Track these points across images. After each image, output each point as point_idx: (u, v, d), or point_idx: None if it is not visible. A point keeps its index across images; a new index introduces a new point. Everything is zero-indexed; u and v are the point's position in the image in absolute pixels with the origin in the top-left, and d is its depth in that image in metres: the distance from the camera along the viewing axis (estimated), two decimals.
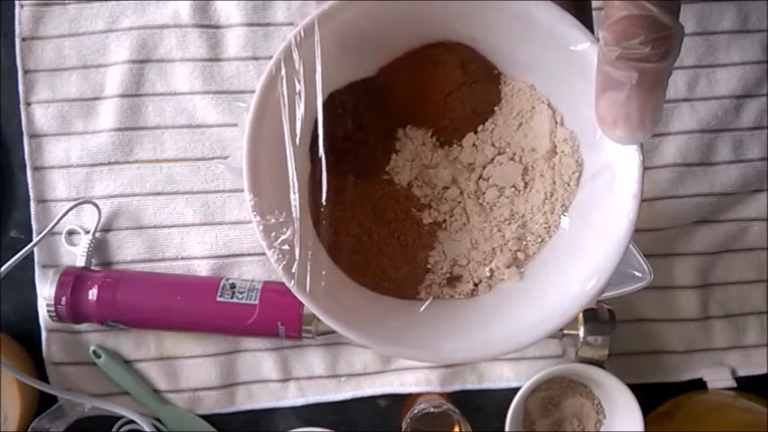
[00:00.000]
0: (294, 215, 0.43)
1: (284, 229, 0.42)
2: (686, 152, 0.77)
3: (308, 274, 0.42)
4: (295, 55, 0.42)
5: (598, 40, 0.39)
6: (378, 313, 0.46)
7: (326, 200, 0.44)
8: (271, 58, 0.43)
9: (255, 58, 0.77)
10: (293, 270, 0.42)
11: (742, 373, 0.78)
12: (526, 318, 0.44)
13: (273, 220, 0.42)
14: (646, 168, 0.74)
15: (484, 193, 0.48)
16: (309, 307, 0.42)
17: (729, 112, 0.77)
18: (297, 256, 0.42)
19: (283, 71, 0.42)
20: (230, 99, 0.77)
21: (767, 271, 0.78)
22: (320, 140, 0.44)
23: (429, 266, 0.48)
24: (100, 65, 0.77)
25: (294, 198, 0.43)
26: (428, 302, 0.47)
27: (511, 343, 0.42)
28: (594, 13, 0.45)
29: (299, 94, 0.43)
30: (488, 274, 0.47)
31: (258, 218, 0.42)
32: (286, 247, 0.42)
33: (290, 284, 0.42)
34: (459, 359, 0.43)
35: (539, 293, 0.45)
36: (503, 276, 0.47)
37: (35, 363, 0.76)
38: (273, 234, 0.42)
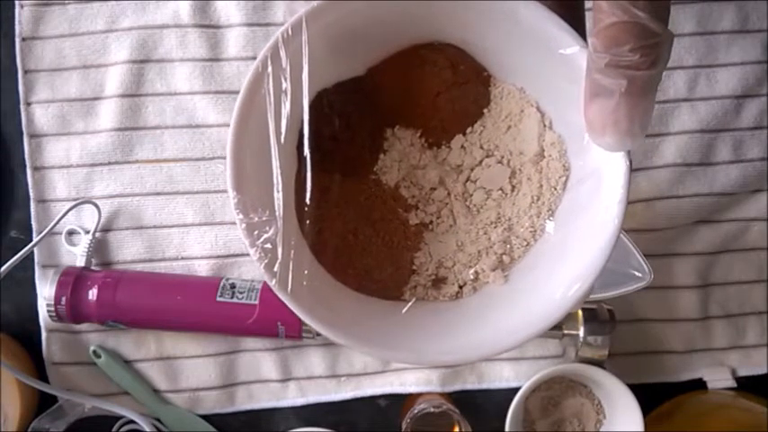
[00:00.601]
0: (278, 213, 0.42)
1: (267, 228, 0.42)
2: (686, 152, 0.77)
3: (291, 273, 0.42)
4: (282, 53, 0.42)
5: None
6: (361, 314, 0.46)
7: (312, 198, 0.44)
8: None
9: (255, 59, 0.76)
10: (275, 269, 0.41)
11: (742, 373, 0.78)
12: (510, 321, 0.43)
13: (257, 219, 0.42)
14: (646, 168, 0.76)
15: (471, 196, 0.48)
16: (290, 307, 0.41)
17: (729, 112, 0.77)
18: (279, 255, 0.42)
19: (270, 69, 0.42)
20: (230, 99, 0.77)
21: (767, 271, 0.78)
22: (306, 139, 0.44)
23: (414, 268, 0.48)
24: (100, 65, 0.77)
25: (278, 197, 0.43)
26: (411, 303, 0.46)
27: (495, 346, 0.42)
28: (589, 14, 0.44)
29: (286, 92, 0.43)
30: (473, 276, 0.47)
31: (241, 216, 0.41)
32: (269, 245, 0.42)
33: (272, 283, 0.41)
34: (443, 362, 0.43)
35: (523, 297, 0.45)
36: (487, 279, 0.47)
37: (35, 363, 0.76)
38: (256, 232, 0.42)
